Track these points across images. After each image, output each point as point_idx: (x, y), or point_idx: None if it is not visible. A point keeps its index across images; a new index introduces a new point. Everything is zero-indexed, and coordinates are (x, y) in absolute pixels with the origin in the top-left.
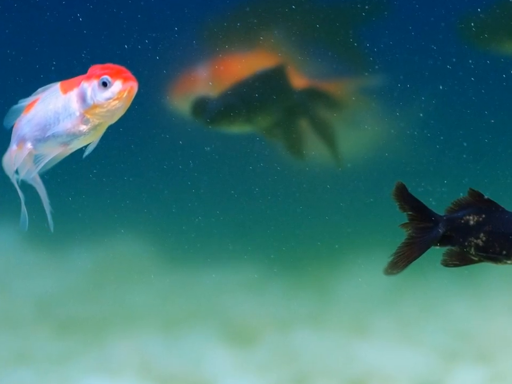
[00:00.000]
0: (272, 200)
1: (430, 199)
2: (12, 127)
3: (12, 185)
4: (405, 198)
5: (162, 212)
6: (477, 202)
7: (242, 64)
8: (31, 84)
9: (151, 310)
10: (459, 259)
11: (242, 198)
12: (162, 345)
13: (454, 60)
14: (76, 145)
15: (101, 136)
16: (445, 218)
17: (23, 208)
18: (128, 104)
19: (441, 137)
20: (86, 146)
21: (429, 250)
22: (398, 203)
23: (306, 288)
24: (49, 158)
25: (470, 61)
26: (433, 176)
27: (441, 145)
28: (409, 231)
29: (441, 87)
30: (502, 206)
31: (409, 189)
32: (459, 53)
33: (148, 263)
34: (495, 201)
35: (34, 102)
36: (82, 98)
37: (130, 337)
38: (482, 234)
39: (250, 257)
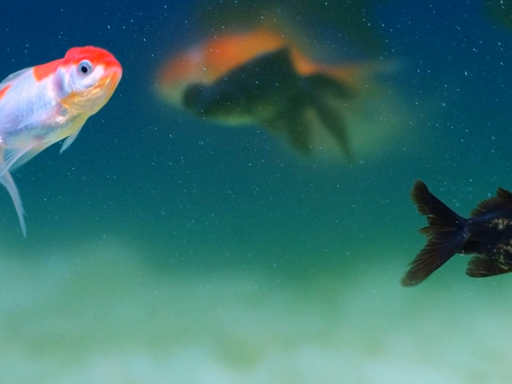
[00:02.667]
0: (274, 201)
1: (454, 200)
2: None
3: None
4: (425, 199)
5: (149, 214)
6: (507, 203)
7: (241, 47)
8: (1, 70)
9: (137, 325)
10: (486, 268)
11: (240, 199)
12: (149, 365)
13: (480, 42)
14: (51, 139)
15: (80, 128)
16: (470, 221)
17: None
18: (111, 92)
19: (466, 130)
20: (63, 140)
21: (452, 258)
22: (418, 205)
23: (313, 301)
24: (22, 154)
25: (499, 44)
26: (457, 174)
27: (466, 139)
28: (430, 237)
29: (466, 73)
30: None
31: (430, 189)
32: (486, 34)
33: (134, 272)
34: None
35: (4, 89)
36: (59, 85)
37: (113, 356)
38: None
39: (249, 266)
